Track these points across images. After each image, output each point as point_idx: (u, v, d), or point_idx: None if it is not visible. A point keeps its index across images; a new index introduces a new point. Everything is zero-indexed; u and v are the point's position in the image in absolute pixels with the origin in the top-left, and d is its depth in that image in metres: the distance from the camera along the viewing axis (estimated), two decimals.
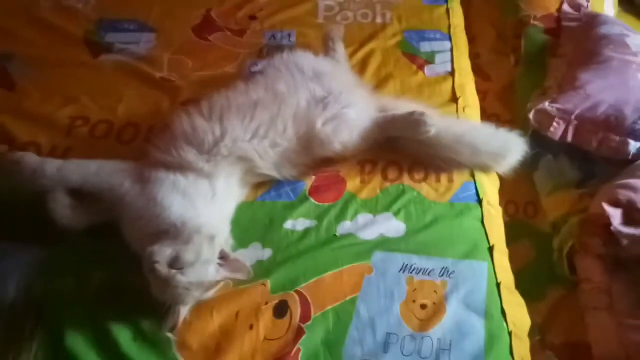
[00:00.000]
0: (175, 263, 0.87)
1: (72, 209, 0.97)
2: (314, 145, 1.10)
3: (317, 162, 1.14)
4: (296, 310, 0.94)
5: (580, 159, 1.32)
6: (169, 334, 0.89)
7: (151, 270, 0.86)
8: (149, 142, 1.09)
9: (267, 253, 1.01)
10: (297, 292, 0.96)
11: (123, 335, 0.89)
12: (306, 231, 1.05)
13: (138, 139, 1.18)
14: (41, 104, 1.23)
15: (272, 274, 0.98)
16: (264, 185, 1.12)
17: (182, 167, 1.00)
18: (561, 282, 1.20)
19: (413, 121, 1.11)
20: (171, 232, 0.91)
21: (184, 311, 0.90)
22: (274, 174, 1.10)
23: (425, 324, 0.93)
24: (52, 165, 0.99)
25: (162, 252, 0.87)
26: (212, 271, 0.91)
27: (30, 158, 1.00)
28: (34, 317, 0.89)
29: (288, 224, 1.06)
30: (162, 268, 0.86)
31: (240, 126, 1.05)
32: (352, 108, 1.13)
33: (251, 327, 0.92)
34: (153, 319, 0.90)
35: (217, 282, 0.92)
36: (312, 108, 1.11)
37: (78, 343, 0.87)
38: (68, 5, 1.48)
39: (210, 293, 0.93)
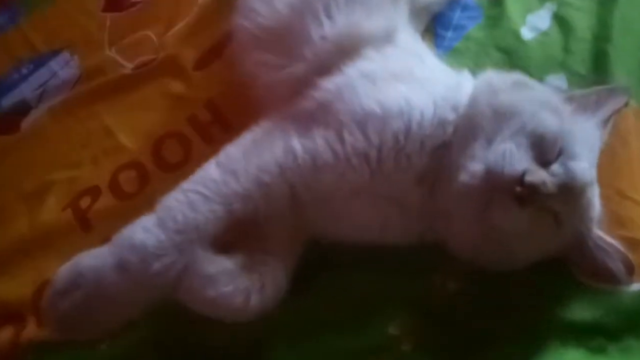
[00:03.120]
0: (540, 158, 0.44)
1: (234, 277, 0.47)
2: None
3: None
4: None
5: None
6: None
7: (523, 198, 0.42)
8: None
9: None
10: None
11: None
12: None
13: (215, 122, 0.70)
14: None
15: None
16: None
17: (346, 53, 0.52)
18: None
19: None
20: (445, 137, 0.47)
21: None
22: None
23: None
24: (149, 225, 0.46)
25: (511, 154, 0.43)
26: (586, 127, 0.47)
27: (95, 258, 0.46)
28: None
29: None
30: (535, 174, 0.42)
31: None
32: None
33: None
34: None
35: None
36: None
37: None
38: None
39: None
